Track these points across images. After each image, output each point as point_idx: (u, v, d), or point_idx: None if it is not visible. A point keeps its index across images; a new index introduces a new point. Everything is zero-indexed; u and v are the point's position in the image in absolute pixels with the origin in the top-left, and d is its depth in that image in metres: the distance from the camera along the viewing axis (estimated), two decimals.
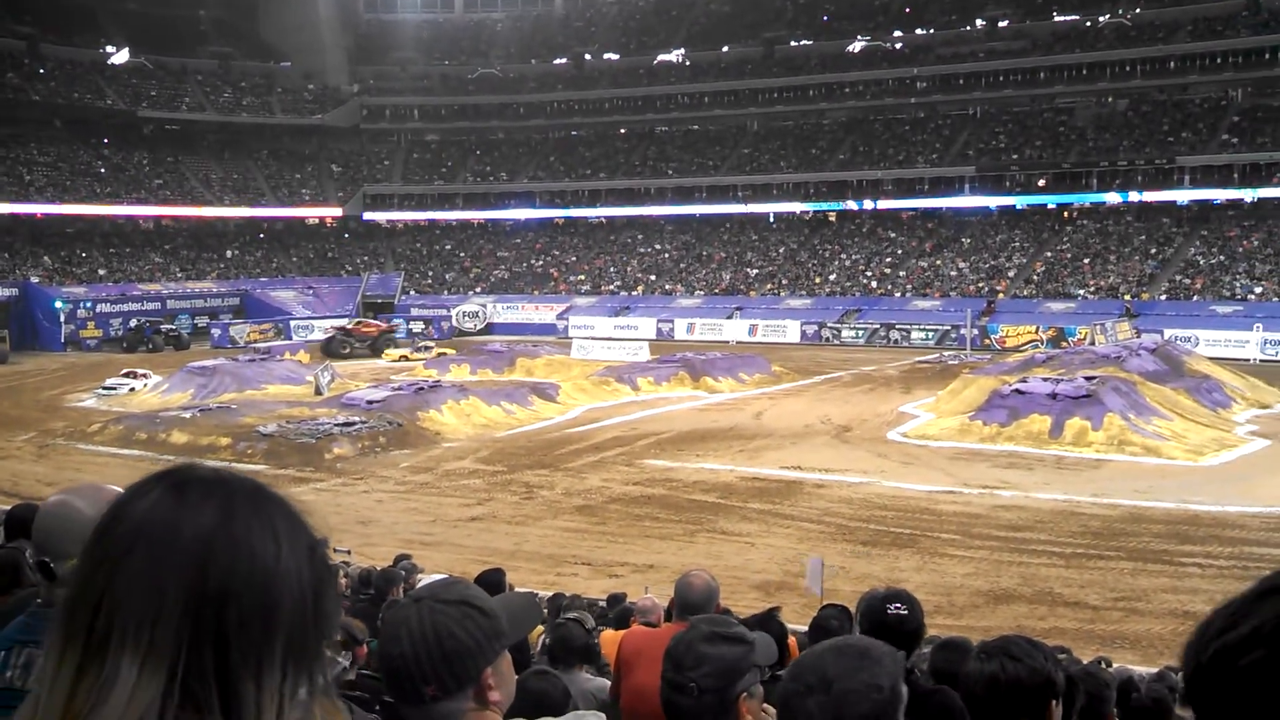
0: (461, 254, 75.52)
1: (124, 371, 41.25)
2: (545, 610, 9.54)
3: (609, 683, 5.33)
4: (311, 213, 77.14)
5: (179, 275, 66.42)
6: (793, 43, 75.58)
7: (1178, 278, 55.21)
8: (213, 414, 31.87)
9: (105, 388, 39.43)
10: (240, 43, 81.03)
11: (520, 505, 23.87)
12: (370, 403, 32.50)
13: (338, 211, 76.91)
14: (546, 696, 4.23)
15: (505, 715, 2.03)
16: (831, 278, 63.62)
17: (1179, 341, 41.01)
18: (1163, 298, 53.69)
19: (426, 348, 50.86)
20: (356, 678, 5.89)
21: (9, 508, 7.41)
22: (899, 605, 3.89)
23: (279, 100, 79.83)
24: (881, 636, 3.72)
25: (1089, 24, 66.92)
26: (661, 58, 79.09)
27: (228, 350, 51.12)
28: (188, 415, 31.66)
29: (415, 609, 1.97)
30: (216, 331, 57.69)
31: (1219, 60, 61.88)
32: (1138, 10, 65.48)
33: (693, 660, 2.52)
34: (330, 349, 50.99)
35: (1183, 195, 59.43)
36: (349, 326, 55.06)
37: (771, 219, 70.64)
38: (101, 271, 63.81)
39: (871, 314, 57.47)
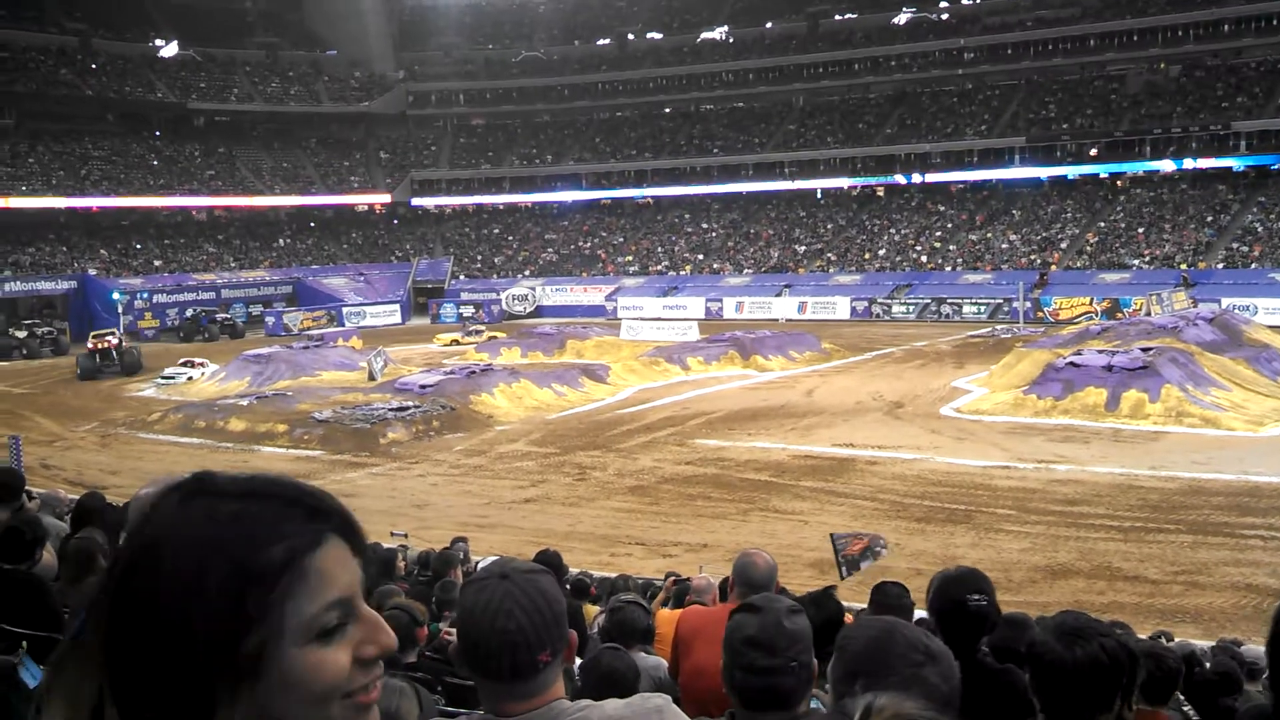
0: (509, 237, 75.80)
1: (182, 361, 41.86)
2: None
3: (665, 661, 5.36)
4: (360, 199, 77.75)
5: (232, 265, 67.34)
6: (837, 17, 74.90)
7: (1235, 245, 54.20)
8: (269, 401, 32.28)
9: (164, 377, 40.06)
10: (286, 33, 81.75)
11: (573, 486, 23.97)
12: (423, 387, 32.75)
13: (386, 198, 77.45)
14: (620, 675, 4.33)
15: (577, 692, 2.09)
16: (881, 253, 63.14)
17: (1237, 310, 40.30)
18: (1220, 266, 52.76)
19: (477, 331, 51.16)
20: (418, 659, 5.96)
21: (77, 497, 7.60)
22: (979, 596, 3.74)
23: (325, 89, 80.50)
24: (957, 624, 3.69)
25: None
26: (705, 36, 78.71)
27: (282, 338, 51.78)
28: (245, 403, 32.09)
29: (508, 584, 2.01)
30: (270, 320, 58.47)
31: (1274, 22, 60.51)
32: None
33: (786, 640, 2.58)
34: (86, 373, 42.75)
35: (1239, 161, 58.30)
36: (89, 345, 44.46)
37: (819, 195, 70.18)
38: (157, 263, 64.75)
39: (922, 289, 57.00)
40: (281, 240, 72.66)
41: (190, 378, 39.57)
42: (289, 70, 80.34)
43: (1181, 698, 5.29)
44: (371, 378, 37.87)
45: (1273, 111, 58.10)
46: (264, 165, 75.09)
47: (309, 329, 55.35)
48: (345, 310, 61.30)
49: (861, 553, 12.01)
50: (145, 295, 57.83)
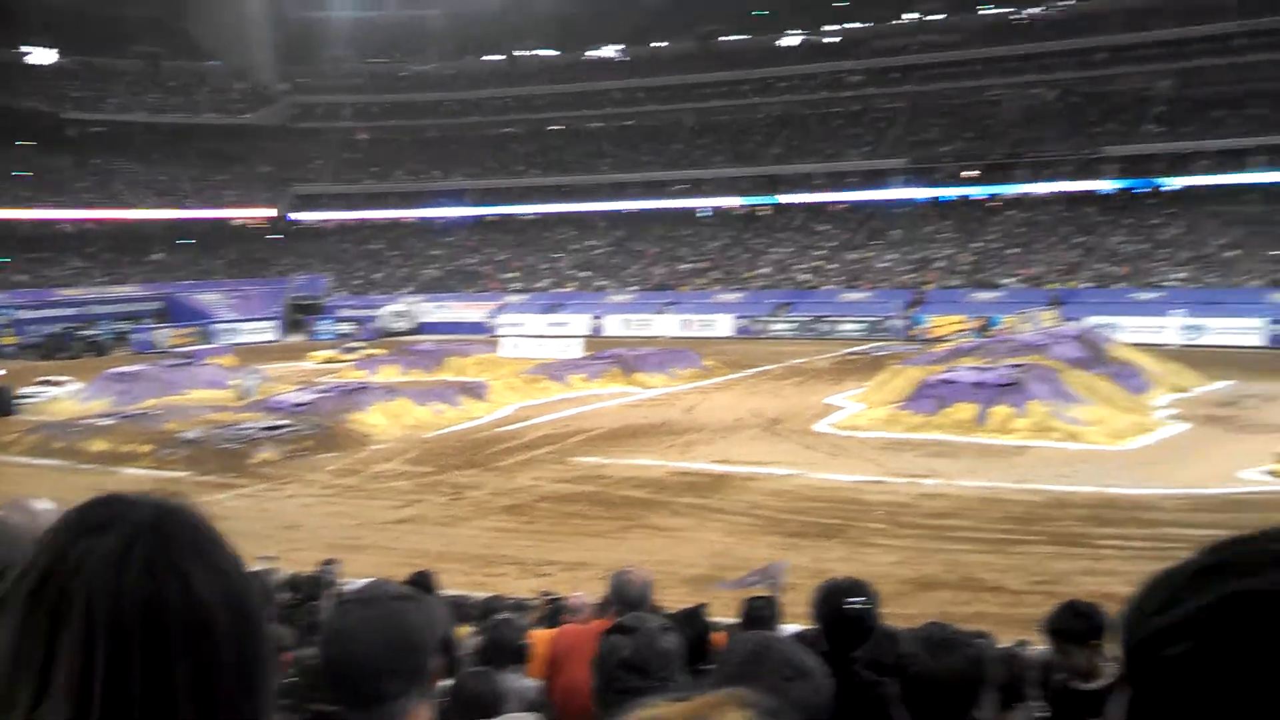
0: (392, 253, 74.85)
1: (39, 379, 40.29)
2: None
3: (538, 683, 5.33)
4: (238, 214, 75.97)
5: (101, 280, 65.14)
6: (727, 38, 75.79)
7: (1101, 266, 56.12)
8: (133, 420, 31.16)
9: (20, 396, 38.43)
10: (170, 41, 79.61)
11: (449, 506, 23.64)
12: (296, 405, 32.02)
13: (266, 212, 75.84)
14: (482, 697, 4.34)
15: (441, 715, 2.03)
16: (764, 271, 63.87)
17: (1101, 328, 41.66)
18: (1087, 286, 54.56)
19: (354, 349, 50.30)
20: (281, 684, 5.73)
21: None
22: (861, 600, 3.89)
23: (208, 100, 78.63)
24: (839, 628, 3.81)
25: (1018, 16, 67.84)
26: (595, 53, 79.00)
27: (149, 356, 50.11)
28: (107, 422, 30.93)
29: (368, 608, 1.96)
30: (138, 337, 56.69)
31: (1144, 51, 63.08)
32: (1067, 2, 66.52)
33: (659, 661, 2.58)
34: None
35: (1107, 185, 60.45)
36: None
37: (707, 213, 70.76)
38: (23, 277, 62.39)
39: (802, 307, 57.77)
40: (154, 255, 70.55)
41: (52, 396, 38.08)
42: (171, 80, 78.30)
43: (1035, 702, 5.44)
44: (243, 396, 36.93)
45: (1141, 137, 60.41)
46: (140, 178, 72.95)
47: (178, 346, 53.83)
48: (217, 327, 59.82)
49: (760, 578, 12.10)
50: (8, 311, 55.67)
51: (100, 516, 1.06)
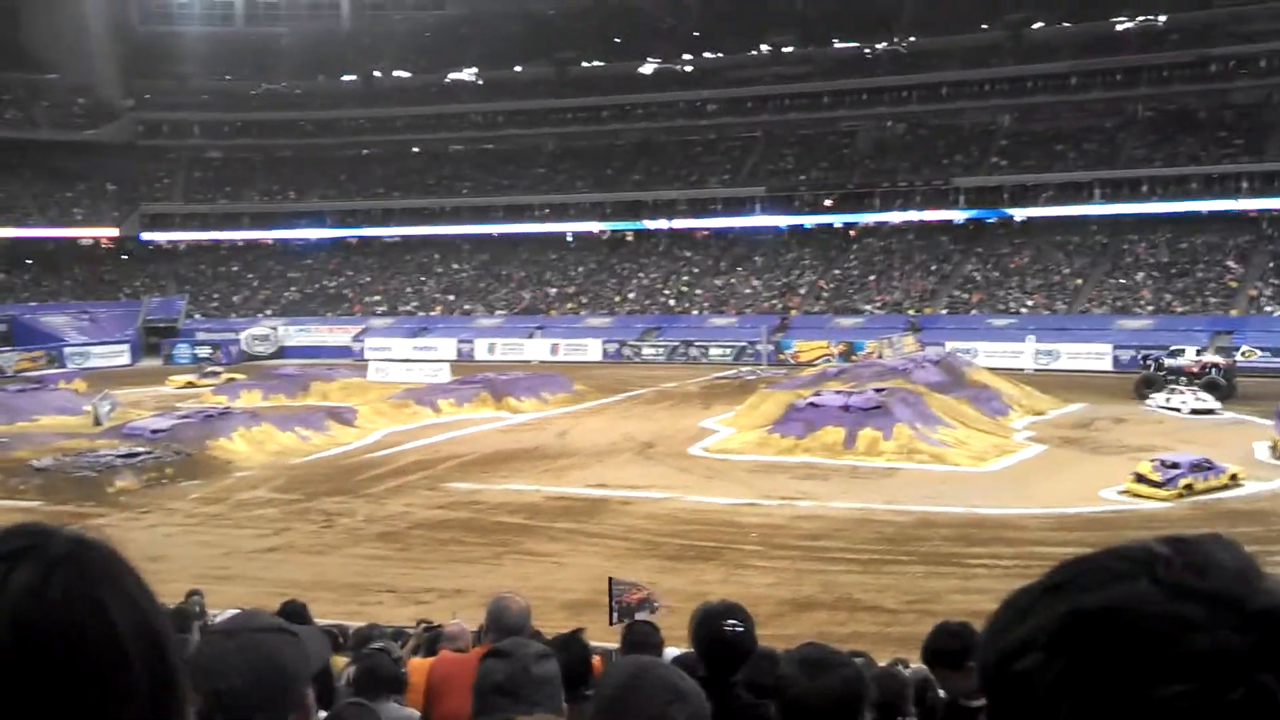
0: (250, 275, 72.81)
1: None
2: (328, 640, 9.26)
3: (417, 713, 5.25)
4: (85, 233, 72.85)
5: None
6: (585, 64, 76.20)
7: (956, 293, 58.13)
8: None
9: None
10: (1, 53, 75.92)
11: (319, 534, 23.19)
12: (155, 432, 30.99)
13: (114, 232, 72.90)
14: None
15: None
16: (631, 296, 64.27)
17: (960, 353, 43.10)
18: (944, 312, 56.41)
19: (214, 373, 48.80)
20: None
21: None
22: (735, 622, 3.88)
23: (45, 114, 75.14)
24: (715, 652, 3.81)
25: (867, 51, 69.94)
26: (453, 76, 78.48)
27: None
28: None
29: (235, 641, 1.91)
30: None
31: (987, 87, 65.76)
32: (912, 39, 68.91)
33: (532, 687, 2.54)
34: None
35: (958, 215, 62.65)
36: None
37: (570, 238, 70.90)
38: None
39: (671, 331, 58.30)
40: None
41: None
42: (3, 93, 74.64)
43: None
44: (97, 422, 35.48)
45: (987, 169, 62.87)
46: None
47: (26, 370, 51.36)
48: (67, 351, 57.23)
49: (639, 604, 12.03)
50: None
51: (15, 545, 1.04)
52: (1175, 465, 23.67)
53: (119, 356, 59.30)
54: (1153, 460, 24.26)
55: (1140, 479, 23.68)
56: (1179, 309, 51.76)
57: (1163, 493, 23.11)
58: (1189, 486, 23.27)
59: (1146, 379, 38.88)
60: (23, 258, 69.75)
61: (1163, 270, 54.84)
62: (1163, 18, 62.04)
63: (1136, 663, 0.76)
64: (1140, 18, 62.65)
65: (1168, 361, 39.66)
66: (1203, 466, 23.94)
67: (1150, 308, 52.41)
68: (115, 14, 79.37)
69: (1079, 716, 0.77)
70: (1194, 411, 34.30)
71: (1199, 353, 40.89)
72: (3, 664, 0.97)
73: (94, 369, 52.88)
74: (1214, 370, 38.84)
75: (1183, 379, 37.73)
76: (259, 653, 1.89)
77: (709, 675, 3.65)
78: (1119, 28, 63.39)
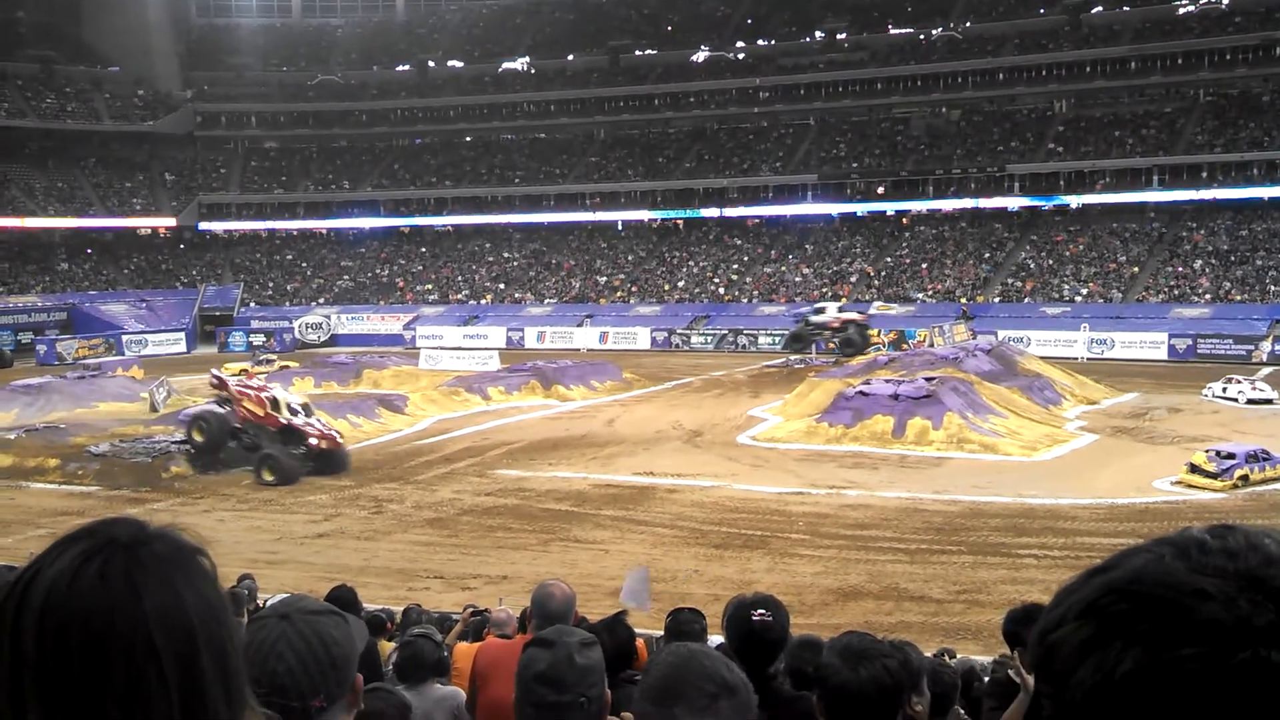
0: (304, 264, 73.69)
1: None
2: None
3: (461, 691, 5.26)
4: (144, 223, 74.09)
5: None
6: (637, 52, 76.08)
7: (1010, 281, 57.46)
8: (39, 434, 30.32)
9: None
10: (63, 46, 77.19)
11: (369, 520, 23.40)
12: None
13: (171, 221, 74.04)
14: (381, 715, 4.18)
15: None
16: (680, 284, 64.21)
17: (1012, 342, 42.61)
18: (996, 300, 55.79)
19: (268, 360, 49.35)
20: None
21: None
22: (763, 612, 3.84)
23: (107, 106, 76.45)
24: (747, 643, 3.78)
25: (922, 37, 69.18)
26: (506, 66, 78.68)
27: (55, 367, 48.68)
28: (12, 436, 30.09)
29: (287, 624, 1.92)
30: (42, 348, 54.99)
31: (1043, 73, 64.77)
32: (968, 24, 68.05)
33: (575, 676, 2.54)
34: None
35: (1013, 202, 61.89)
36: None
37: (620, 227, 70.92)
38: None
39: (719, 320, 58.17)
40: (57, 264, 68.53)
41: None
42: (66, 86, 75.95)
43: (961, 711, 5.48)
44: (153, 409, 36.05)
45: (1043, 156, 62.03)
46: (37, 185, 70.67)
47: (85, 358, 52.30)
48: (125, 338, 58.24)
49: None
50: None
51: (81, 531, 1.09)
52: (1231, 455, 23.29)
53: (175, 344, 60.29)
54: (1207, 450, 23.89)
55: (1194, 469, 23.33)
56: (1238, 297, 50.82)
57: (1217, 483, 22.75)
58: (1244, 477, 22.89)
59: (795, 334, 44.39)
60: (83, 247, 71.08)
61: (1221, 258, 53.85)
62: (1225, 0, 60.85)
63: (1153, 627, 0.82)
64: (1202, 0, 61.46)
65: (813, 318, 45.15)
66: (1259, 457, 23.53)
67: (1208, 295, 51.51)
68: (174, 7, 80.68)
69: (1097, 675, 0.83)
70: (1250, 401, 33.64)
71: (840, 310, 46.87)
72: (28, 641, 1.01)
73: (151, 356, 53.79)
74: (851, 327, 44.36)
75: (826, 333, 43.61)
76: (314, 632, 1.92)
77: (742, 666, 3.63)
78: (1180, 10, 62.19)
